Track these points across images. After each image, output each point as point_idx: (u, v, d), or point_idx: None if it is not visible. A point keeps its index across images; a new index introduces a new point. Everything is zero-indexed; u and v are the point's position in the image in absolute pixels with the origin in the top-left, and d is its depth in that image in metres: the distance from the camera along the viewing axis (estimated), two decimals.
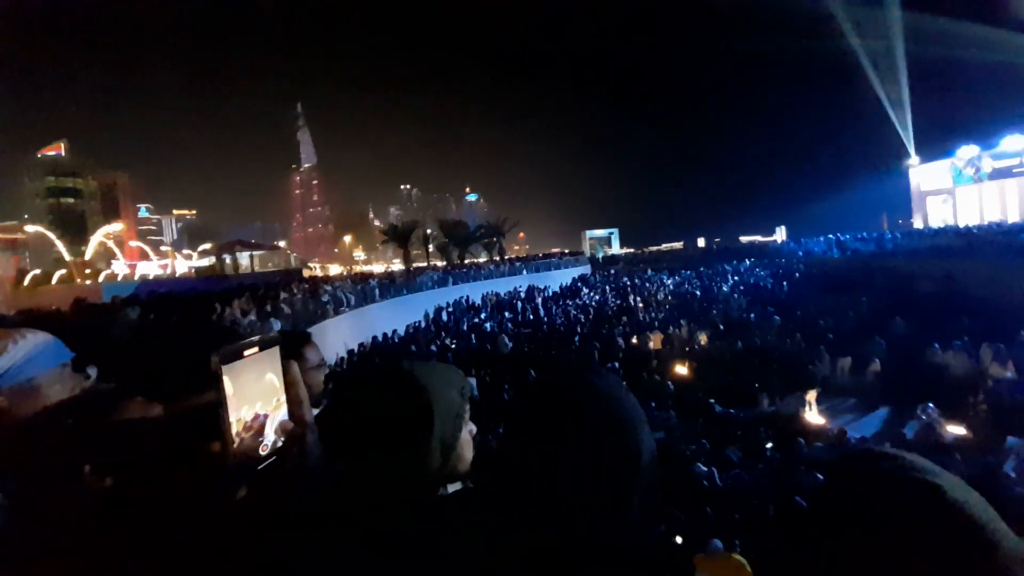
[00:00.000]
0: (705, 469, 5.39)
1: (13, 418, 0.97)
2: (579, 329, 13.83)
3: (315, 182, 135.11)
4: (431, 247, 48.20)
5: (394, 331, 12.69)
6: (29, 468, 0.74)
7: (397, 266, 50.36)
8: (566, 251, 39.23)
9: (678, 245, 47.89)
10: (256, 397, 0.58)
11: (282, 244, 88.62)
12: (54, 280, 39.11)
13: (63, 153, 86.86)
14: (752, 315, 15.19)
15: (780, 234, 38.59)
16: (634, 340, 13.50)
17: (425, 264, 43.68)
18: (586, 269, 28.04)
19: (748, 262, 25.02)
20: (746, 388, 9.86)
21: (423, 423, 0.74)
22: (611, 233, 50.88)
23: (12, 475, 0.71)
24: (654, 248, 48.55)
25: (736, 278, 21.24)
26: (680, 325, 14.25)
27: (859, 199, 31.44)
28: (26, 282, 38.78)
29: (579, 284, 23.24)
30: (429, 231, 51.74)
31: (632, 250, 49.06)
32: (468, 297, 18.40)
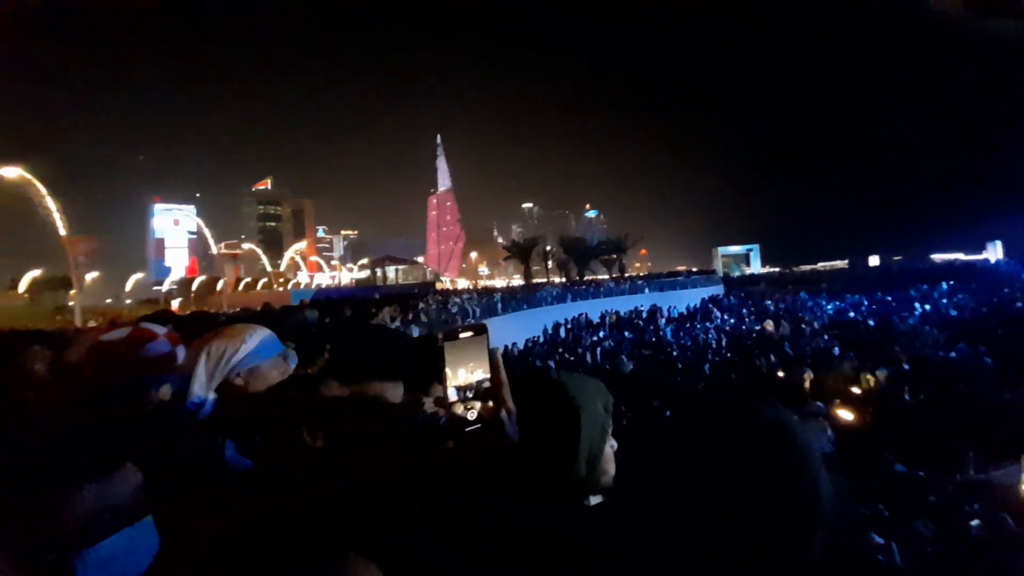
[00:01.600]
0: (882, 541, 4.37)
1: (249, 394, 1.27)
2: (710, 356, 12.57)
3: (448, 204, 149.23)
4: (550, 263, 49.11)
5: (514, 344, 13.16)
6: (264, 431, 0.95)
7: (518, 281, 52.41)
8: (694, 269, 36.29)
9: (841, 264, 40.55)
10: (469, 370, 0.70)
11: (420, 259, 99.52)
12: (259, 286, 50.21)
13: (269, 187, 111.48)
14: (953, 354, 12.03)
15: (995, 252, 29.87)
16: (780, 374, 11.75)
17: (544, 280, 44.58)
18: (718, 289, 25.50)
19: (945, 286, 19.93)
20: (942, 447, 7.77)
21: (571, 432, 0.75)
22: (750, 250, 45.48)
23: (254, 436, 0.93)
24: (807, 267, 41.93)
25: (928, 306, 17.06)
26: (845, 360, 11.94)
27: None
28: (240, 287, 50.55)
29: (710, 306, 21.20)
30: (549, 248, 52.98)
31: (777, 269, 43.11)
32: (586, 314, 18.18)
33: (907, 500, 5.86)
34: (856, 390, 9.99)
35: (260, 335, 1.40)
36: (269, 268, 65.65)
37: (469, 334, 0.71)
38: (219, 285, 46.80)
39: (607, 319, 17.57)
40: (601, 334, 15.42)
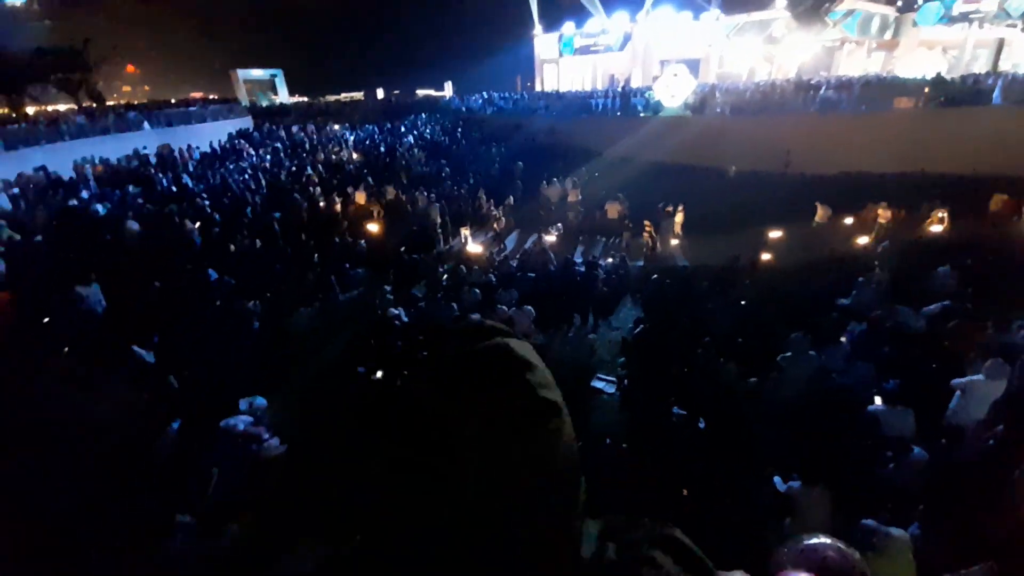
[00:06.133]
0: (395, 311, 6.09)
1: None
2: (251, 198, 11.69)
3: None
4: None
5: None
6: None
7: None
8: (213, 96, 30.04)
9: (359, 95, 44.27)
10: None
11: None
12: None
13: None
14: (428, 168, 16.57)
15: (448, 89, 41.19)
16: (322, 204, 12.67)
17: None
18: (246, 122, 22.63)
19: (424, 116, 26.08)
20: (427, 234, 11.21)
21: None
22: (274, 75, 41.42)
23: None
24: (332, 98, 43.37)
25: (415, 133, 22.05)
26: (368, 183, 14.15)
27: (504, 61, 36.49)
28: None
29: (240, 141, 18.82)
30: None
31: (306, 99, 42.31)
32: (44, 169, 12.04)
33: (408, 277, 8.30)
34: (374, 208, 12.31)
35: None
36: None
37: None
38: None
39: (88, 171, 12.37)
40: (85, 195, 10.88)
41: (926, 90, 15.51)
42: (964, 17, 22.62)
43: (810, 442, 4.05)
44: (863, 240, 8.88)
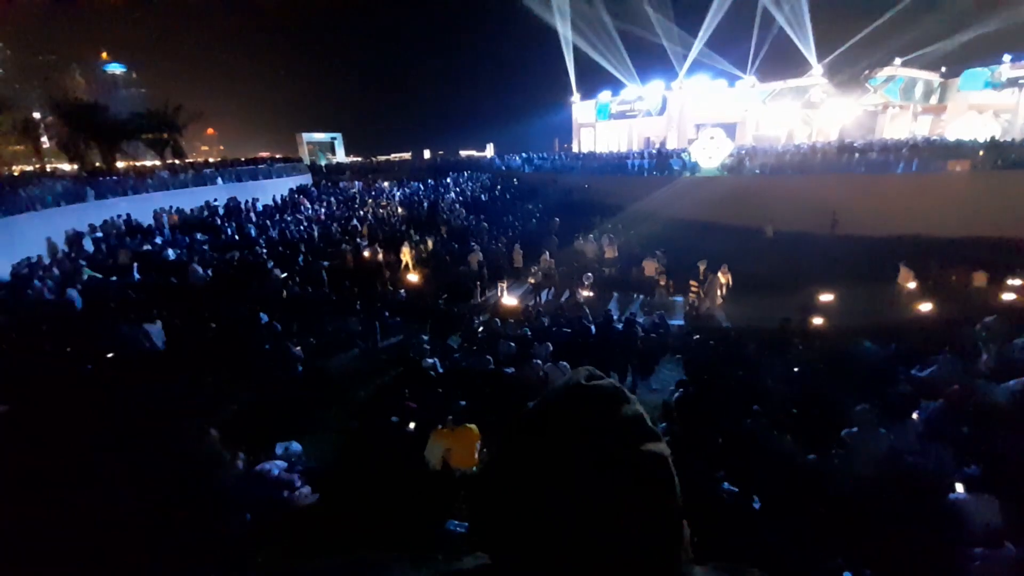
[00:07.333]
0: (431, 361, 6.11)
1: None
2: (302, 248, 12.46)
3: None
4: (45, 141, 31.71)
5: None
6: None
7: None
8: (278, 156, 33.14)
9: (407, 155, 47.92)
10: None
11: None
12: None
13: None
14: (468, 222, 17.20)
15: (490, 150, 43.76)
16: (366, 253, 13.33)
17: (36, 167, 28.89)
18: (306, 178, 24.70)
19: (466, 174, 27.59)
20: (464, 286, 11.44)
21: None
22: (334, 138, 45.64)
23: None
24: (383, 158, 47.03)
25: (457, 189, 23.26)
26: (410, 235, 14.83)
27: (542, 125, 38.85)
28: None
29: (299, 196, 20.45)
30: (37, 116, 33.79)
31: (360, 159, 46.01)
32: (127, 215, 13.42)
33: (445, 327, 8.37)
34: (415, 258, 12.75)
35: None
36: None
37: None
38: None
39: (164, 220, 13.68)
40: (159, 240, 11.97)
41: (980, 153, 15.00)
42: (1014, 82, 22.23)
43: (883, 533, 3.58)
44: (927, 306, 8.28)
